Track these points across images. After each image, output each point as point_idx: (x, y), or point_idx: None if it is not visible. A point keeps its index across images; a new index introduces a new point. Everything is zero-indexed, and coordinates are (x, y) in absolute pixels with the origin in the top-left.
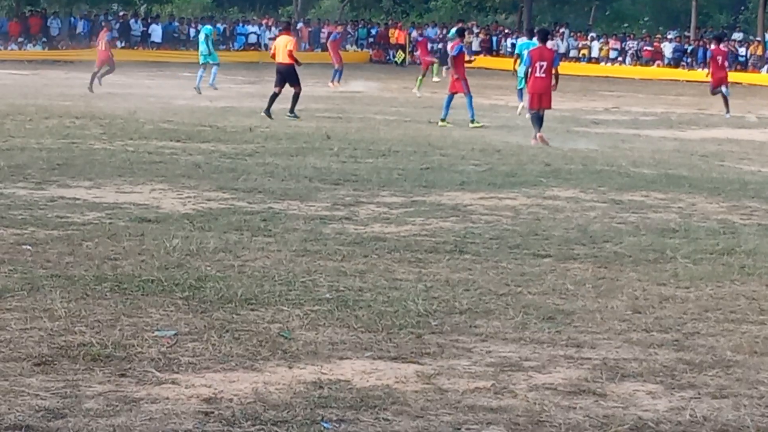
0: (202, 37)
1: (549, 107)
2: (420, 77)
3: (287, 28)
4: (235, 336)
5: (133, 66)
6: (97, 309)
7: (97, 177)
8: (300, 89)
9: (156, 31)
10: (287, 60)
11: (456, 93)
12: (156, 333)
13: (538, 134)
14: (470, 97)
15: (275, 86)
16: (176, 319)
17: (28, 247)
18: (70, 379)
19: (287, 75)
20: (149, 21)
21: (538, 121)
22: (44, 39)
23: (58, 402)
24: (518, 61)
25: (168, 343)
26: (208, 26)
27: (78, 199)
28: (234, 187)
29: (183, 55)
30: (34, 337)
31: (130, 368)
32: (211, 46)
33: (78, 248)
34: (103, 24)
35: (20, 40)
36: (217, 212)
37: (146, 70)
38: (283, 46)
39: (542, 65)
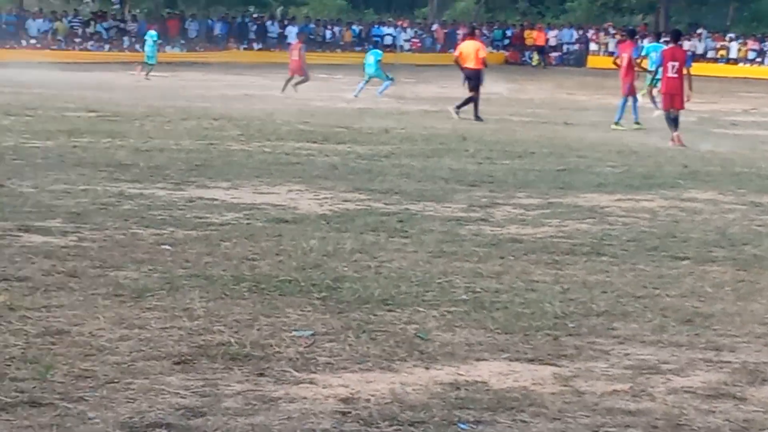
0: (371, 59)
1: (681, 107)
2: None
3: (472, 33)
4: (372, 336)
5: (270, 68)
6: (236, 309)
7: (235, 178)
8: (478, 96)
9: (292, 33)
10: (476, 65)
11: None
12: (294, 333)
13: (675, 135)
14: (625, 100)
15: (470, 90)
16: (313, 319)
17: (168, 247)
18: (209, 378)
19: (473, 79)
20: (285, 23)
21: (672, 122)
22: (182, 41)
23: (197, 401)
24: (645, 61)
25: (305, 343)
26: (379, 51)
27: (216, 199)
28: (370, 188)
29: (319, 57)
30: (173, 336)
31: (268, 368)
32: (380, 68)
33: (216, 248)
34: (297, 36)
35: (159, 42)
36: (353, 213)
37: (283, 72)
38: (473, 52)
39: (674, 65)
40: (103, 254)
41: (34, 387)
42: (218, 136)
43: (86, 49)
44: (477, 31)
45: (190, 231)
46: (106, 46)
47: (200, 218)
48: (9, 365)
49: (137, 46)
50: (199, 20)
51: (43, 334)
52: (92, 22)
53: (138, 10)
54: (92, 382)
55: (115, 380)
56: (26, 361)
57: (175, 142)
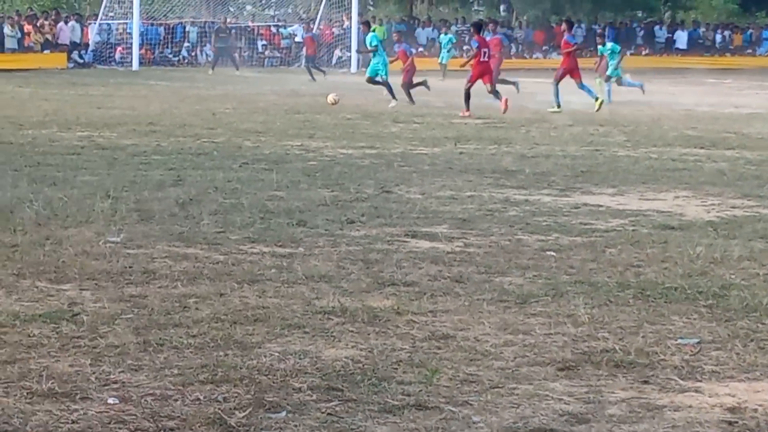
0: None
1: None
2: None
3: None
4: (760, 345)
5: (657, 73)
6: (620, 315)
7: (621, 184)
8: None
9: (681, 38)
10: None
11: None
12: (679, 341)
13: None
14: None
15: None
16: (699, 327)
17: (553, 254)
18: (593, 384)
19: None
20: (674, 27)
21: None
22: None
23: (581, 407)
24: None
25: (691, 351)
26: None
27: (601, 205)
28: (759, 194)
29: (707, 62)
30: (557, 342)
31: (652, 375)
32: None
33: (601, 255)
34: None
35: (545, 48)
36: (741, 220)
37: (670, 77)
38: None
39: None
40: (488, 260)
41: (420, 390)
42: (603, 142)
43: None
44: None
45: (575, 237)
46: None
47: (585, 224)
48: (396, 368)
49: (526, 54)
50: (585, 26)
51: (429, 339)
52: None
53: (525, 17)
54: (477, 387)
55: (500, 385)
56: (413, 365)
57: (561, 148)
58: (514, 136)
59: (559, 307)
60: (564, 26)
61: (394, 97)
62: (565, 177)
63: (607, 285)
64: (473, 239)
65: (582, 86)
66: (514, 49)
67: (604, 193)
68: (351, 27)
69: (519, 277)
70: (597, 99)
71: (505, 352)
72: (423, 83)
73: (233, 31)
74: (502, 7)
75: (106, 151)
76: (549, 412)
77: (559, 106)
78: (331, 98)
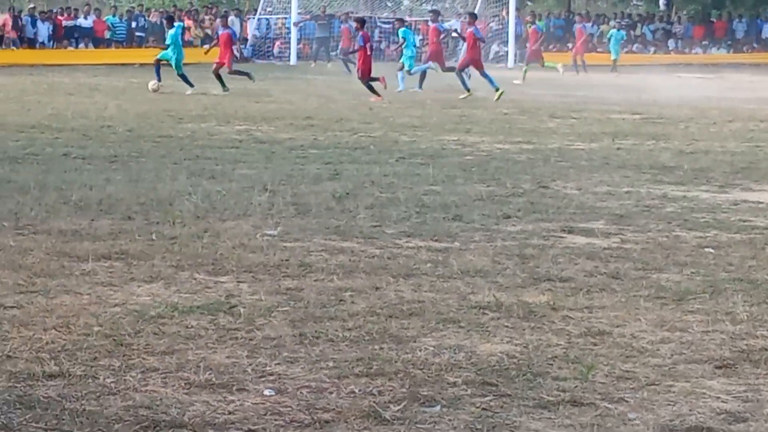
0: None
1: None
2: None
3: None
4: None
5: None
6: None
7: None
8: None
9: None
10: None
11: None
12: None
13: None
14: None
15: None
16: None
17: (711, 250)
18: (751, 383)
19: None
20: None
21: None
22: (729, 42)
23: (739, 405)
24: None
25: None
26: None
27: (761, 202)
28: None
29: None
30: (715, 339)
31: None
32: None
33: (760, 252)
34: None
35: (704, 43)
36: None
37: None
38: None
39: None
40: (645, 256)
41: (576, 386)
42: (764, 138)
43: (631, 52)
44: None
45: (733, 234)
46: (651, 49)
47: (744, 221)
48: (551, 364)
49: (686, 49)
50: (747, 21)
51: (584, 335)
52: (638, 25)
53: (684, 12)
54: (633, 384)
55: (656, 382)
56: (568, 361)
57: (720, 144)
58: (672, 131)
59: (717, 305)
60: (468, 19)
61: (190, 84)
62: (724, 173)
63: (766, 282)
64: (630, 235)
65: (485, 75)
66: (673, 44)
67: (764, 190)
68: (509, 22)
69: (676, 274)
70: (498, 89)
71: (661, 349)
72: None
73: (332, 20)
74: (661, 2)
75: (264, 145)
76: (706, 410)
77: (468, 91)
78: (150, 85)
